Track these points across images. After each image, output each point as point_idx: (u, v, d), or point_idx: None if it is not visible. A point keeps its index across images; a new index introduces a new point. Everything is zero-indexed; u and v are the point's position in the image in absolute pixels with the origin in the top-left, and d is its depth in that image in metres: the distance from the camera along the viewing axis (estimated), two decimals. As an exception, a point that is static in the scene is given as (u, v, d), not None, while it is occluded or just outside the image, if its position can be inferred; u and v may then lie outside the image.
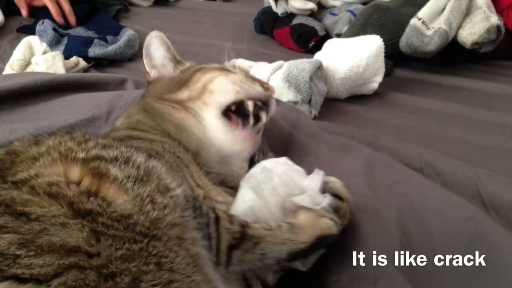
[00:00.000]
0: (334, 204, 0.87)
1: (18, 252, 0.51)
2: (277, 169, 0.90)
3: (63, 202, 0.59)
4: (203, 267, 0.65)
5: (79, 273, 0.50)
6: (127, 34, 2.32)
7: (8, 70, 1.92)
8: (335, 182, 0.91)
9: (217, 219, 0.74)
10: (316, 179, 0.89)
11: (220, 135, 0.97)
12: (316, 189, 0.88)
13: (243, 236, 0.74)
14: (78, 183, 0.63)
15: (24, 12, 2.62)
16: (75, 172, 0.64)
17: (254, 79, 1.05)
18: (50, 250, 0.52)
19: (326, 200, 0.86)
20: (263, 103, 1.04)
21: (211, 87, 0.99)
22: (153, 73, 1.12)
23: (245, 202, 0.85)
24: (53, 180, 0.61)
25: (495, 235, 0.96)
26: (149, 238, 0.59)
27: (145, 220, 0.62)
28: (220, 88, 0.99)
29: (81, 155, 0.67)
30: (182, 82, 1.03)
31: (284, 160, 0.95)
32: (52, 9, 2.43)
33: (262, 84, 1.04)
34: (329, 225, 0.82)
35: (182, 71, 1.09)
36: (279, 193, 0.87)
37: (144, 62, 1.13)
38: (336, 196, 0.88)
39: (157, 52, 1.13)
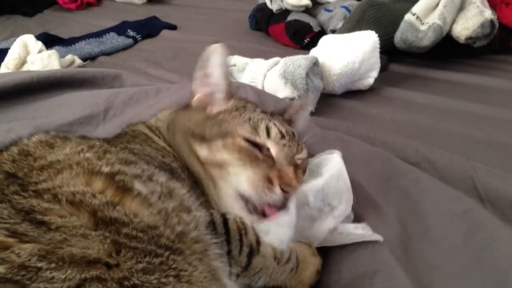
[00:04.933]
0: None
1: (39, 264, 0.50)
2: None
3: (86, 210, 0.59)
4: (221, 279, 0.67)
5: (101, 285, 0.51)
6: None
7: (3, 69, 1.92)
8: None
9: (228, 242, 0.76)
10: None
11: (233, 209, 0.88)
12: None
13: (247, 265, 0.77)
14: (100, 193, 0.63)
15: None
16: (97, 184, 0.64)
17: (277, 177, 0.88)
18: (71, 262, 0.52)
19: None
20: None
21: (229, 171, 0.89)
22: (198, 96, 1.01)
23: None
24: (78, 190, 0.61)
25: (492, 227, 0.97)
26: (171, 251, 0.60)
27: (171, 233, 0.63)
28: (237, 179, 0.88)
29: (106, 169, 0.67)
30: (205, 137, 0.93)
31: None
32: None
33: (284, 186, 0.87)
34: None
35: (215, 115, 0.97)
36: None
37: (196, 76, 1.00)
38: None
39: (216, 72, 0.97)
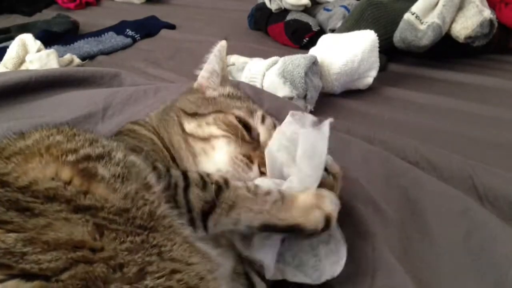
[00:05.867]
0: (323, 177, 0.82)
1: (25, 250, 0.51)
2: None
3: (61, 201, 0.60)
4: (194, 243, 0.67)
5: (87, 265, 0.51)
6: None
7: (2, 68, 1.91)
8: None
9: (186, 187, 0.74)
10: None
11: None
12: None
13: (216, 200, 0.74)
14: (69, 183, 0.64)
15: None
16: (65, 174, 0.65)
17: (258, 157, 0.90)
18: (56, 245, 0.53)
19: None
20: None
21: (213, 144, 0.93)
22: (198, 80, 1.11)
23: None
24: (50, 186, 0.62)
25: (491, 226, 0.97)
26: (149, 230, 0.62)
27: (142, 214, 0.64)
28: (218, 153, 0.92)
29: (72, 158, 0.68)
30: (198, 113, 0.99)
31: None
32: None
33: (263, 167, 0.89)
34: (317, 220, 0.76)
35: (212, 98, 1.05)
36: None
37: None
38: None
39: (213, 60, 1.09)
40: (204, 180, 0.76)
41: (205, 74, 1.10)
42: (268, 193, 0.77)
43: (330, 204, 0.79)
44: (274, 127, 0.97)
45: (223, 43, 1.09)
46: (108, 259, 0.53)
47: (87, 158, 0.69)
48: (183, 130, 0.96)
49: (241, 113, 0.97)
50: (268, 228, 0.76)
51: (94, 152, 0.71)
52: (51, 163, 0.66)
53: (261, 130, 0.96)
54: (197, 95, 1.06)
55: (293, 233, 0.78)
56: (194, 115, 0.98)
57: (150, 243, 0.59)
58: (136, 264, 0.55)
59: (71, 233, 0.55)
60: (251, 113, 0.98)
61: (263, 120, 0.97)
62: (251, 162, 0.89)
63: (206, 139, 0.93)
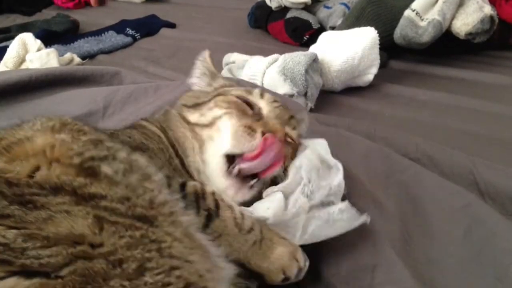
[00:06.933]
0: None
1: (25, 245, 0.51)
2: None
3: (67, 190, 0.60)
4: (193, 235, 0.68)
5: (87, 261, 0.51)
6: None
7: (2, 67, 1.92)
8: None
9: (197, 196, 0.78)
10: None
11: (215, 174, 0.90)
12: None
13: (206, 227, 0.76)
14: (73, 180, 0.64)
15: None
16: (71, 173, 0.65)
17: (261, 126, 0.90)
18: (56, 240, 0.52)
19: None
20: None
21: (218, 126, 0.93)
22: (192, 86, 1.13)
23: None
24: (57, 180, 0.62)
25: (492, 222, 0.97)
26: (149, 224, 0.62)
27: (142, 201, 0.65)
28: (223, 132, 0.92)
29: (77, 160, 0.67)
30: (198, 103, 1.01)
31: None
32: None
33: (266, 132, 0.89)
34: (292, 272, 0.80)
35: (208, 92, 1.07)
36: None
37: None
38: None
39: (198, 66, 1.13)
40: (198, 205, 0.77)
41: (195, 79, 1.12)
42: (251, 230, 0.80)
43: (303, 259, 0.83)
44: (274, 100, 1.00)
45: (205, 53, 1.13)
46: (107, 255, 0.54)
47: (92, 159, 0.69)
48: (188, 122, 0.98)
49: (239, 92, 0.99)
50: (239, 265, 0.77)
51: (98, 155, 0.71)
52: (58, 168, 0.65)
53: (262, 104, 0.97)
54: (195, 91, 1.09)
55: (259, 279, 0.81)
56: (195, 105, 1.00)
57: (149, 237, 0.59)
58: (135, 260, 0.55)
59: (71, 227, 0.55)
60: (249, 91, 1.00)
61: (262, 95, 1.00)
62: (254, 131, 0.88)
63: (211, 123, 0.94)
